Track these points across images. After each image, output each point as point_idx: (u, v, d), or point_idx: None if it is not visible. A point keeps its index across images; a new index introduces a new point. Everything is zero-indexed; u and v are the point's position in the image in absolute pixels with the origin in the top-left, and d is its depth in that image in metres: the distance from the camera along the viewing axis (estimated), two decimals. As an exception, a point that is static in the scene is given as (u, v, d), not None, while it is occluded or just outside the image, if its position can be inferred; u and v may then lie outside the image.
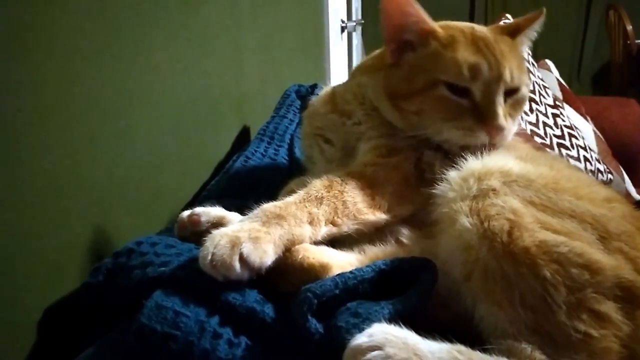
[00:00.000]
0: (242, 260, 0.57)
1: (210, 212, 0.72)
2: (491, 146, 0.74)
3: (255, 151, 1.12)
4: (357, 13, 2.80)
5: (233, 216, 0.71)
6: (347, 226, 0.68)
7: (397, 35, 0.78)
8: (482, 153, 0.70)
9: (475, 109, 0.74)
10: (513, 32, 0.81)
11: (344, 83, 0.95)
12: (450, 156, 0.73)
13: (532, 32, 0.83)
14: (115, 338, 0.60)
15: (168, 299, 0.56)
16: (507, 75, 0.74)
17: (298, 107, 1.37)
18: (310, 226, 0.64)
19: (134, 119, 0.87)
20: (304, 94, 1.43)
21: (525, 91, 0.79)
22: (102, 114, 0.78)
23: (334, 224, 0.67)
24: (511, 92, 0.77)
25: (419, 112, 0.77)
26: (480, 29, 0.80)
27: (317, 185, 0.69)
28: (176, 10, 1.00)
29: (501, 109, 0.74)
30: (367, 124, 0.83)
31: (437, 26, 0.77)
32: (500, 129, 0.73)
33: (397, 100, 0.79)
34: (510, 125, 0.76)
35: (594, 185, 0.72)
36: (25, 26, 0.63)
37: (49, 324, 0.69)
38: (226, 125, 1.30)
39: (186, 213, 0.73)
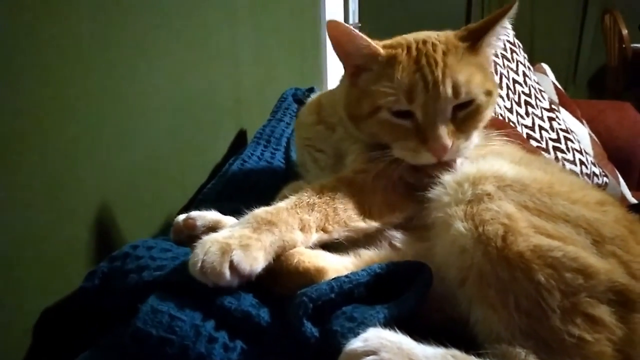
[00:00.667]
0: (232, 267, 0.57)
1: (206, 216, 0.72)
2: (444, 164, 0.73)
3: (252, 154, 1.13)
4: (354, 16, 2.80)
5: (229, 220, 0.72)
6: (338, 233, 0.68)
7: (349, 61, 0.78)
8: (437, 171, 0.70)
9: (418, 129, 0.73)
10: (476, 36, 0.76)
11: (330, 91, 0.95)
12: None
13: (500, 30, 0.77)
14: (111, 342, 0.60)
15: (163, 303, 0.57)
16: (448, 92, 0.71)
17: (295, 110, 1.37)
18: (301, 232, 0.65)
19: (131, 121, 0.87)
20: (301, 97, 1.43)
21: (481, 100, 0.74)
22: (99, 117, 0.78)
23: (324, 230, 0.67)
24: (462, 106, 0.73)
25: (372, 134, 0.78)
26: (435, 39, 0.76)
27: (308, 191, 0.69)
28: (174, 13, 1.00)
29: (444, 128, 0.71)
30: (349, 140, 0.83)
31: (380, 48, 0.75)
32: (443, 149, 0.71)
33: (355, 121, 0.79)
34: (460, 142, 0.73)
35: (587, 189, 0.72)
36: (25, 27, 0.63)
37: (45, 327, 0.68)
38: (223, 128, 1.30)
39: (182, 217, 0.73)
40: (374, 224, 0.70)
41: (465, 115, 0.74)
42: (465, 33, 0.78)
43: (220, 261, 0.56)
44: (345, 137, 0.84)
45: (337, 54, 0.79)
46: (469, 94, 0.72)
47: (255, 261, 0.59)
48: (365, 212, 0.70)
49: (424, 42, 0.76)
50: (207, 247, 0.58)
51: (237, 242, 0.59)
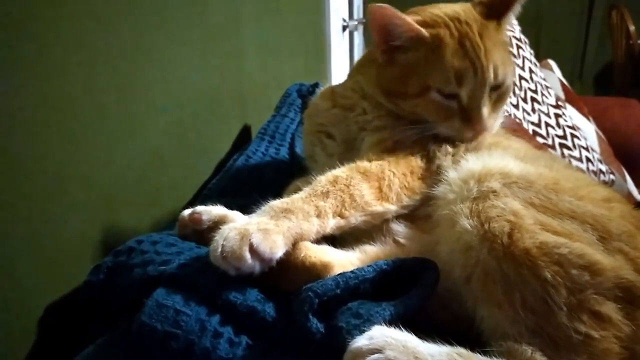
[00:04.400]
0: (253, 250, 0.57)
1: (211, 210, 0.72)
2: (476, 139, 0.79)
3: (256, 150, 1.12)
4: (358, 12, 2.79)
5: (234, 215, 0.71)
6: (355, 218, 0.68)
7: (387, 41, 0.79)
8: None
9: (463, 111, 0.77)
10: (500, 12, 0.81)
11: (342, 82, 0.96)
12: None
13: (518, 7, 0.82)
14: (116, 337, 0.60)
15: (169, 297, 0.57)
16: (491, 77, 0.76)
17: (299, 106, 1.36)
18: (317, 219, 0.65)
19: (135, 117, 0.87)
20: (305, 93, 1.43)
21: (509, 81, 0.80)
22: (103, 113, 0.78)
23: (341, 216, 0.67)
24: (496, 87, 0.79)
25: (415, 112, 0.80)
26: (465, 14, 0.79)
27: (322, 181, 0.69)
28: (178, 9, 1.00)
29: (486, 109, 0.77)
30: (373, 113, 0.84)
31: (424, 30, 0.77)
32: (485, 129, 0.78)
33: (392, 97, 0.81)
34: (494, 121, 0.80)
35: (594, 185, 0.72)
36: (25, 26, 0.63)
37: (49, 322, 0.69)
38: (227, 124, 1.30)
39: (187, 212, 0.73)
40: (392, 207, 0.71)
41: (497, 96, 0.80)
42: (484, 9, 0.81)
43: (240, 244, 0.57)
44: (369, 110, 0.85)
45: (374, 34, 0.79)
46: (504, 76, 0.78)
47: (275, 244, 0.59)
48: (382, 196, 0.70)
49: (459, 20, 0.78)
50: (227, 233, 0.58)
51: (256, 227, 0.59)
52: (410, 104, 0.79)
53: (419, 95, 0.78)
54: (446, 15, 0.80)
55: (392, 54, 0.79)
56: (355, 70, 0.94)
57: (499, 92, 0.80)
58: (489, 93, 0.77)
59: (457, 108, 0.77)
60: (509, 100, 1.49)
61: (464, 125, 0.77)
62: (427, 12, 0.82)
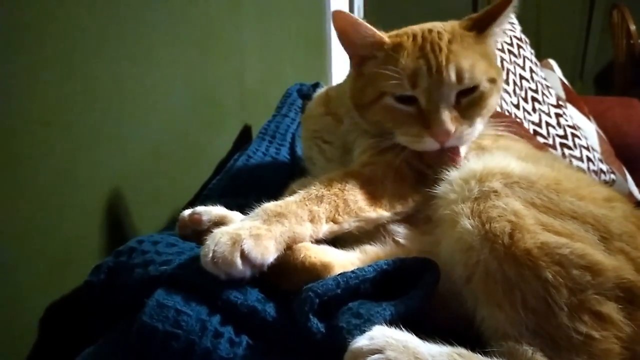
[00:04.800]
0: (244, 256, 0.57)
1: (211, 211, 0.72)
2: (449, 151, 0.74)
3: (257, 150, 1.13)
4: (359, 12, 2.79)
5: (234, 215, 0.72)
6: (349, 223, 0.68)
7: (351, 48, 0.78)
8: (441, 158, 0.72)
9: (422, 115, 0.73)
10: (483, 25, 0.76)
11: (338, 84, 0.95)
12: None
13: (504, 20, 0.77)
14: (117, 336, 0.60)
15: (169, 297, 0.57)
16: (451, 78, 0.71)
17: (300, 106, 1.36)
18: (311, 224, 0.65)
19: (135, 117, 0.87)
20: (306, 92, 1.43)
21: (485, 87, 0.74)
22: (103, 113, 0.78)
23: (335, 221, 0.67)
24: (466, 92, 0.73)
25: (376, 121, 0.78)
26: (440, 28, 0.76)
27: (317, 185, 0.69)
28: (178, 9, 1.00)
29: (447, 113, 0.71)
30: (356, 132, 0.84)
31: (385, 37, 0.75)
32: (446, 135, 0.71)
33: (360, 110, 0.80)
34: (464, 128, 0.73)
35: (595, 185, 0.72)
36: (25, 26, 0.63)
37: (50, 322, 0.69)
38: (228, 124, 1.30)
39: (187, 212, 0.73)
40: (385, 214, 0.70)
41: (468, 101, 0.74)
42: (470, 22, 0.79)
43: (231, 250, 0.57)
44: (352, 129, 0.84)
45: (342, 44, 0.78)
46: (473, 79, 0.72)
47: (267, 250, 0.59)
48: (375, 202, 0.70)
49: (430, 30, 0.76)
50: (218, 238, 0.58)
51: (248, 232, 0.59)
52: (370, 114, 0.78)
53: (374, 102, 0.76)
54: (420, 28, 0.78)
55: (360, 66, 0.79)
56: (347, 76, 0.92)
57: (470, 98, 0.74)
58: (455, 97, 0.72)
59: (416, 113, 0.73)
60: (509, 99, 1.50)
61: (423, 130, 0.72)
62: (407, 27, 0.81)
